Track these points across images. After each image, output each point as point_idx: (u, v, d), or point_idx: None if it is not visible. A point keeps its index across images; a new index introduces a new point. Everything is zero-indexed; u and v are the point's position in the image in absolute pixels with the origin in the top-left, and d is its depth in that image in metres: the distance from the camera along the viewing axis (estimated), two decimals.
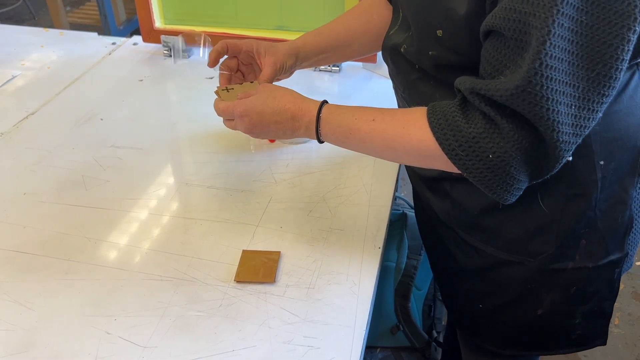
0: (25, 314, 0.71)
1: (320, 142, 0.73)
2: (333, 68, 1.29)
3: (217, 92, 0.82)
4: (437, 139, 0.62)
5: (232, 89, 0.82)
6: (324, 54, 0.88)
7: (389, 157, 0.70)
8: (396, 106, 0.86)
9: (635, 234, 0.76)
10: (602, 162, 0.69)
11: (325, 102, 0.73)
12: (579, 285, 0.76)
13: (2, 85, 1.24)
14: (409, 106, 0.78)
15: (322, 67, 1.29)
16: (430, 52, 0.67)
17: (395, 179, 0.95)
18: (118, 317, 0.71)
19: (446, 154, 0.62)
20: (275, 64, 0.82)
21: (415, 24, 0.69)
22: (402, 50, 0.73)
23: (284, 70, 0.85)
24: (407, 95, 0.77)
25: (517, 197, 0.63)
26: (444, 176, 0.77)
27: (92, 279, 0.76)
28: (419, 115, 0.65)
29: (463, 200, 0.76)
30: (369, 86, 1.23)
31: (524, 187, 0.63)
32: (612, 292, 0.79)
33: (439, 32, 0.64)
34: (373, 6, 0.89)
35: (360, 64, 1.30)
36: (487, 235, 0.76)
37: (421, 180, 0.84)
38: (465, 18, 0.61)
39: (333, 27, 0.89)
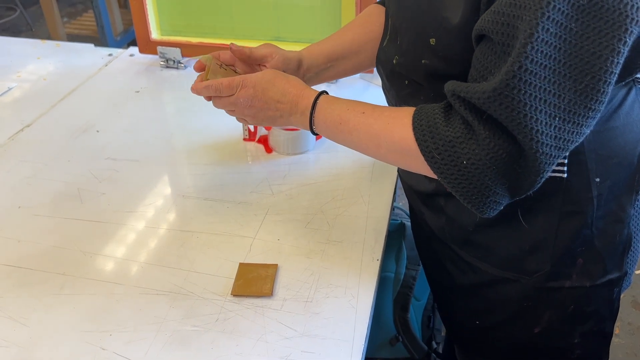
0: (19, 330, 0.70)
1: (314, 133, 0.73)
2: None
3: (206, 63, 0.78)
4: (417, 139, 0.61)
5: (225, 69, 0.80)
6: (330, 62, 0.87)
7: (374, 152, 0.69)
8: None
9: (634, 253, 0.75)
10: (597, 180, 0.67)
11: (324, 92, 0.73)
12: (577, 304, 0.75)
13: None
14: None
15: None
16: (422, 61, 0.67)
17: (392, 190, 0.94)
18: (113, 332, 0.70)
19: (423, 155, 0.61)
20: (276, 64, 0.81)
21: (408, 32, 0.69)
22: (394, 62, 0.73)
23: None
24: None
25: (497, 211, 0.62)
26: (438, 191, 0.76)
27: (87, 293, 0.75)
28: (405, 114, 0.64)
29: (458, 216, 0.76)
30: (366, 96, 1.23)
31: (504, 202, 0.61)
32: (612, 312, 0.78)
33: (432, 41, 0.64)
34: (373, 15, 0.88)
35: (357, 74, 1.30)
36: (482, 252, 0.76)
37: (416, 194, 0.84)
38: (459, 27, 0.60)
39: (337, 36, 0.89)
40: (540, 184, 0.59)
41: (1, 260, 0.80)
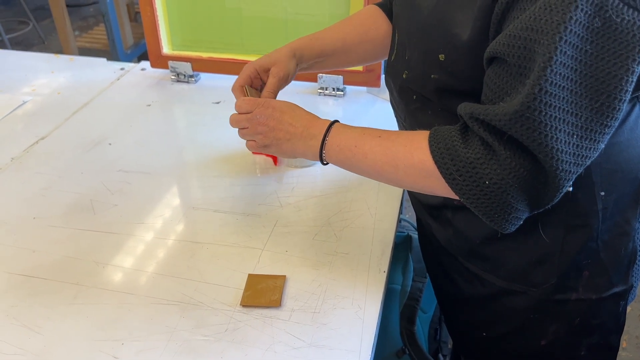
0: (34, 338, 0.72)
1: (324, 162, 0.73)
2: (337, 92, 1.31)
3: (245, 89, 0.84)
4: (436, 162, 0.62)
5: (256, 93, 0.85)
6: (320, 58, 0.89)
7: (390, 175, 0.69)
8: None
9: (639, 266, 0.76)
10: (602, 193, 0.68)
11: (337, 120, 0.74)
12: (583, 317, 0.75)
13: (13, 110, 1.27)
14: None
15: (327, 91, 1.31)
16: (432, 76, 0.68)
17: (399, 202, 0.96)
18: (125, 341, 0.71)
19: (444, 177, 0.62)
20: (279, 73, 0.83)
21: (417, 48, 0.71)
22: (403, 76, 0.74)
23: (290, 77, 0.85)
24: (407, 124, 0.78)
25: (517, 226, 0.63)
26: (445, 204, 0.78)
27: (100, 303, 0.77)
28: (422, 137, 0.65)
29: (465, 228, 0.77)
30: (373, 110, 1.25)
31: (524, 217, 0.62)
32: (618, 325, 0.79)
33: (441, 57, 0.65)
34: (371, 17, 0.90)
35: (364, 88, 1.32)
36: (489, 264, 0.77)
37: (423, 207, 0.85)
38: (468, 43, 0.62)
39: (330, 34, 0.90)
40: (558, 198, 0.60)
41: (16, 270, 0.82)
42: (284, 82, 0.84)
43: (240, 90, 0.83)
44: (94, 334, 0.72)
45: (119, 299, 0.78)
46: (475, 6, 0.60)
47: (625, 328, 1.76)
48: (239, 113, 0.78)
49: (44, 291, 0.79)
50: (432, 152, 0.63)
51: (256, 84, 0.85)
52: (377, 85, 1.28)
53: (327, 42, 0.89)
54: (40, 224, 0.91)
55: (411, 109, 0.75)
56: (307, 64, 0.89)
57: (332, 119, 0.75)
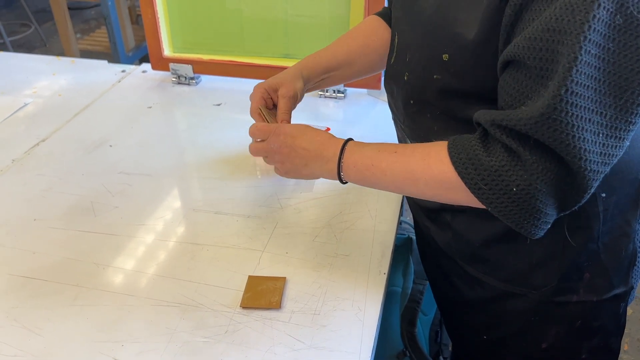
0: (34, 340, 0.72)
1: (342, 181, 0.73)
2: (338, 94, 1.31)
3: (260, 110, 0.85)
4: (459, 172, 0.61)
5: (271, 113, 0.86)
6: (327, 73, 0.90)
7: (410, 189, 0.68)
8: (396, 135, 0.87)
9: (639, 267, 0.76)
10: (603, 195, 0.68)
11: (350, 138, 0.74)
12: (584, 319, 0.75)
13: (15, 112, 1.27)
14: (409, 137, 0.79)
15: (327, 93, 1.31)
16: (434, 77, 0.67)
17: (399, 204, 0.96)
18: (125, 343, 0.71)
19: (468, 187, 0.61)
20: (288, 93, 0.84)
21: (420, 49, 0.70)
22: (405, 78, 0.74)
23: (299, 96, 0.86)
24: (406, 127, 0.78)
25: (545, 231, 0.61)
26: (444, 207, 0.77)
27: (100, 304, 0.77)
28: (440, 148, 0.64)
29: (464, 231, 0.76)
30: (374, 112, 1.25)
31: (552, 221, 0.61)
32: (619, 328, 0.79)
33: (445, 57, 0.65)
34: (371, 28, 0.90)
35: (364, 90, 1.33)
36: (489, 267, 0.76)
37: (421, 210, 0.85)
38: (473, 43, 0.61)
39: (333, 49, 0.91)
40: (586, 199, 0.59)
41: (17, 272, 0.82)
42: (293, 101, 0.85)
43: (257, 112, 0.84)
44: (94, 336, 0.72)
45: (120, 300, 0.78)
46: (482, 6, 0.59)
47: (627, 331, 1.76)
48: (253, 139, 0.80)
49: (44, 293, 0.79)
50: (453, 163, 0.62)
51: (268, 105, 0.87)
52: (378, 87, 1.28)
53: (332, 57, 0.90)
54: (41, 226, 0.91)
55: (410, 112, 0.75)
56: (314, 81, 0.90)
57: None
